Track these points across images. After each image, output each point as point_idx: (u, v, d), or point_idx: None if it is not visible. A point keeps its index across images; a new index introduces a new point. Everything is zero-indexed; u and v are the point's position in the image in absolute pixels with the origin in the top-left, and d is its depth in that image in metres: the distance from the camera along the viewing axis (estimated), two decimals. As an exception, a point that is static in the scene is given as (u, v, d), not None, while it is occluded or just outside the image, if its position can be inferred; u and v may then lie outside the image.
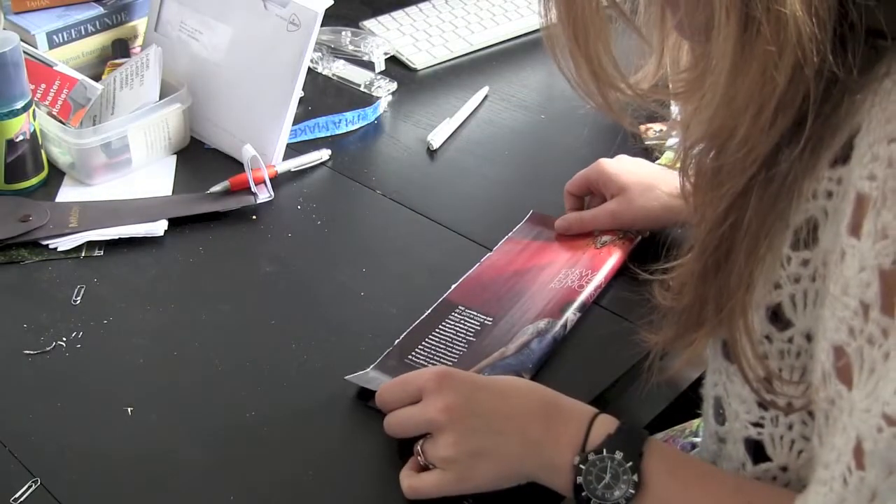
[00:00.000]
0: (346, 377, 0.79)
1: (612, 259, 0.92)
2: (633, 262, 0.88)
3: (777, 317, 0.58)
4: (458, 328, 0.85)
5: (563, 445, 0.68)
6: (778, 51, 0.50)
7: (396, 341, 0.84)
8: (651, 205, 0.93)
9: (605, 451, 0.66)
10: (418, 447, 0.71)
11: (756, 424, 0.62)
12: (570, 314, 0.86)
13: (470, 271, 0.91)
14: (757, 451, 0.63)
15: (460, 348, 0.83)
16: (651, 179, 0.94)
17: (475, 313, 0.86)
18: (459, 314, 0.86)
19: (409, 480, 0.71)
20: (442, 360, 0.81)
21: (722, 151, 0.56)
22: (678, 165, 0.65)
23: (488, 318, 0.85)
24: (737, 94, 0.53)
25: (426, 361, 0.81)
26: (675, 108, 1.03)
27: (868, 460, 0.50)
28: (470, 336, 0.84)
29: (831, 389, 0.53)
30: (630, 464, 0.65)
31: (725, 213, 0.57)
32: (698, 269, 0.60)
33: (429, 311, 0.87)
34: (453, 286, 0.89)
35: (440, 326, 0.84)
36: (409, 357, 0.82)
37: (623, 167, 0.96)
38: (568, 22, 0.60)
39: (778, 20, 0.49)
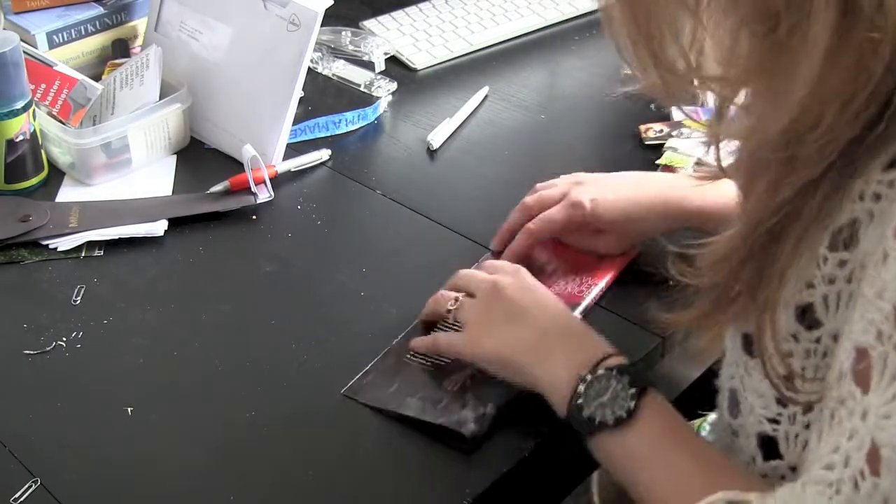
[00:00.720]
0: (343, 391, 0.79)
1: (613, 271, 0.90)
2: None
3: (805, 316, 0.58)
4: (458, 329, 0.84)
5: (574, 358, 0.71)
6: (879, 38, 0.49)
7: (395, 341, 0.84)
8: (653, 230, 0.90)
9: (615, 371, 0.68)
10: (456, 297, 0.80)
11: (772, 420, 0.62)
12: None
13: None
14: (769, 447, 0.63)
15: None
16: (636, 208, 0.89)
17: None
18: None
19: (433, 336, 0.80)
20: (441, 359, 0.81)
21: (801, 140, 0.54)
22: (715, 149, 0.65)
23: None
24: (827, 82, 0.51)
25: (425, 360, 0.81)
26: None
27: (885, 466, 0.50)
28: None
29: (844, 390, 0.53)
30: (633, 391, 0.67)
31: (790, 200, 0.56)
32: (743, 250, 0.59)
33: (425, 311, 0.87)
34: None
35: (439, 326, 0.84)
36: (408, 356, 0.82)
37: (603, 207, 0.89)
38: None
39: (881, 6, 0.48)
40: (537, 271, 0.90)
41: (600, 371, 0.68)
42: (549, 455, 0.76)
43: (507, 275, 0.80)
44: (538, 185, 0.96)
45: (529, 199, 0.93)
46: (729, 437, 0.68)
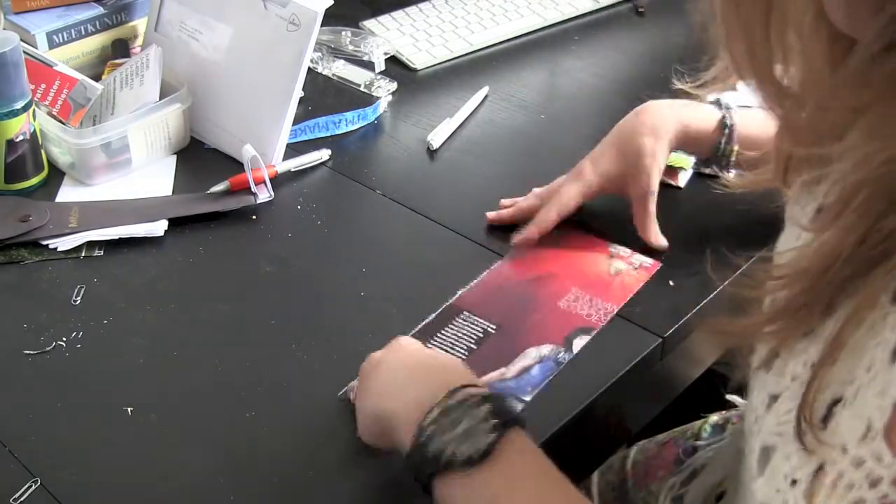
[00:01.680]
0: (340, 395, 0.79)
1: (626, 294, 0.89)
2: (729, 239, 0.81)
3: None
4: (461, 334, 0.84)
5: (430, 386, 0.63)
6: None
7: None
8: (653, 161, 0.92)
9: (471, 400, 0.60)
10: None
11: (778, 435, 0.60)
12: (577, 341, 0.84)
13: (479, 277, 0.91)
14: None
15: (461, 354, 0.83)
16: (629, 152, 0.93)
17: (480, 320, 0.86)
18: (464, 320, 0.86)
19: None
20: None
21: None
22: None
23: (492, 326, 0.85)
24: None
25: None
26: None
27: None
28: (472, 343, 0.84)
29: (865, 450, 0.49)
30: (495, 422, 0.58)
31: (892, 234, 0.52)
32: (829, 272, 0.55)
33: (433, 315, 0.87)
34: (460, 292, 0.89)
35: (443, 331, 0.84)
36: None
37: (604, 167, 0.95)
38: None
39: None
40: (547, 276, 0.89)
41: (452, 403, 0.60)
42: (549, 455, 0.76)
43: (391, 349, 0.73)
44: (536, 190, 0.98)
45: (538, 189, 0.97)
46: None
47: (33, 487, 0.72)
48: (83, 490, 0.72)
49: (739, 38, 0.57)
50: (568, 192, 0.94)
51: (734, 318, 0.61)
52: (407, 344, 0.73)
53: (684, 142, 0.94)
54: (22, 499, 0.71)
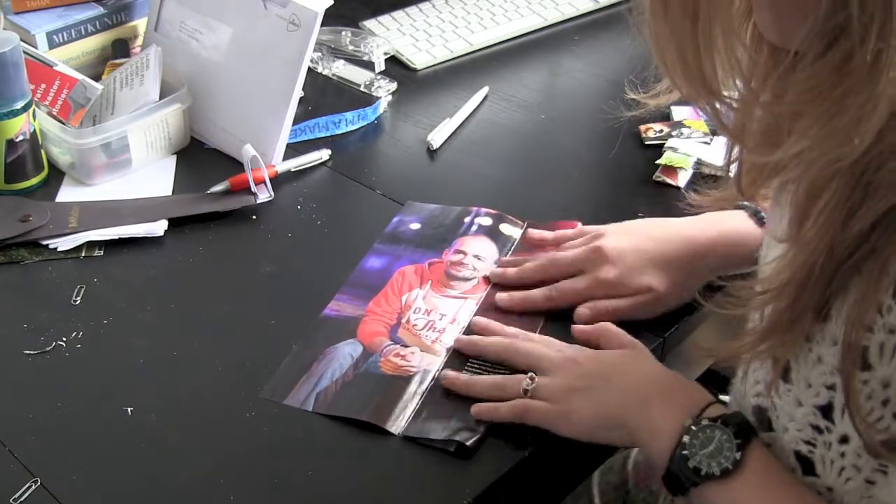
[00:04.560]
0: (402, 433, 0.76)
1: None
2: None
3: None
4: (485, 369, 0.82)
5: (674, 408, 0.69)
6: None
7: (433, 375, 0.81)
8: (689, 280, 0.85)
9: (718, 421, 0.66)
10: (527, 379, 0.76)
11: (808, 442, 0.62)
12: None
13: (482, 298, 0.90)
14: (806, 463, 0.63)
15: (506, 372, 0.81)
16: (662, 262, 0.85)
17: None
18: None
19: (524, 402, 0.75)
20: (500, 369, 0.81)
21: (883, 163, 0.52)
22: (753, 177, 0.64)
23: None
24: None
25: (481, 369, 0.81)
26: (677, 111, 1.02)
27: None
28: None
29: None
30: (738, 441, 0.65)
31: (867, 233, 0.54)
32: (808, 279, 0.57)
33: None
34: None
35: (468, 367, 0.82)
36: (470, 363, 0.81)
37: (624, 268, 0.85)
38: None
39: None
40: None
41: (704, 422, 0.67)
42: (550, 455, 0.76)
43: (574, 349, 0.79)
44: (557, 236, 0.93)
45: (546, 258, 0.89)
46: None
47: (33, 487, 0.72)
48: (83, 490, 0.72)
49: (671, 51, 0.59)
50: (577, 289, 0.86)
51: (726, 341, 0.63)
52: (644, 357, 0.78)
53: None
54: (22, 499, 0.71)
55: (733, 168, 0.70)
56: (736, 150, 0.68)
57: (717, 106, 0.60)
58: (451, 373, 0.80)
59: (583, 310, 0.84)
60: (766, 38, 0.59)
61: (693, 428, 0.66)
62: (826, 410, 0.60)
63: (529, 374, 0.77)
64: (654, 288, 0.83)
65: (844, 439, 0.59)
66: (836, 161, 0.53)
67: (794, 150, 0.55)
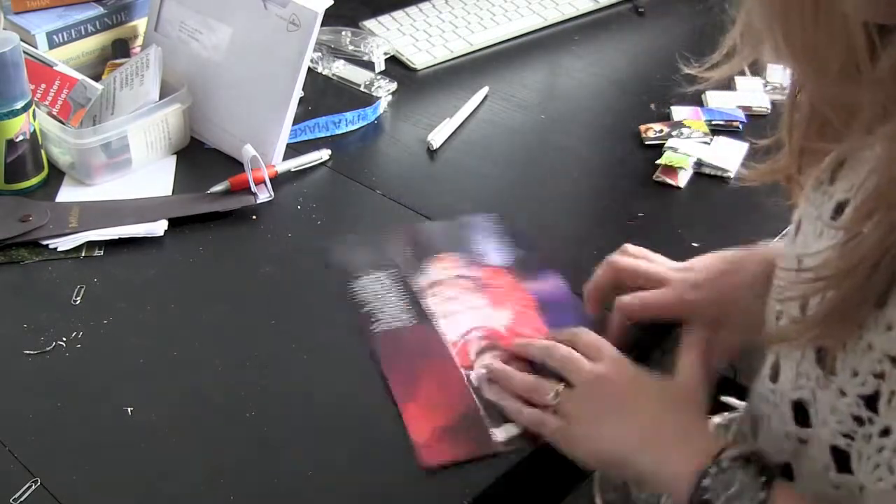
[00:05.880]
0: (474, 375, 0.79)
1: None
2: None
3: None
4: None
5: (693, 449, 0.67)
6: None
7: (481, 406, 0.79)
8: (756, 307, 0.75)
9: (740, 461, 0.65)
10: (557, 388, 0.75)
11: (846, 435, 0.61)
12: None
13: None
14: (842, 459, 0.62)
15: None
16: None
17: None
18: None
19: (541, 416, 0.75)
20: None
21: None
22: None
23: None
24: None
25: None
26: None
27: None
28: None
29: None
30: (763, 479, 0.64)
31: None
32: (891, 260, 0.55)
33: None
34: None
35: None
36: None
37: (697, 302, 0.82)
38: None
39: None
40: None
41: (724, 463, 0.65)
42: (550, 455, 0.76)
43: (611, 363, 0.76)
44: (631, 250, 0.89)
45: (622, 261, 0.86)
46: (794, 445, 0.67)
47: (33, 487, 0.72)
48: (83, 490, 0.72)
49: (779, 21, 0.56)
50: (656, 305, 0.83)
51: (772, 326, 0.61)
52: (644, 380, 0.75)
53: None
54: (22, 499, 0.71)
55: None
56: (796, 119, 0.66)
57: (825, 82, 0.58)
58: (497, 364, 0.80)
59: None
60: (874, 18, 0.56)
61: (713, 470, 0.65)
62: (871, 400, 0.58)
63: (559, 386, 0.76)
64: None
65: (886, 432, 0.58)
66: None
67: (888, 145, 0.53)
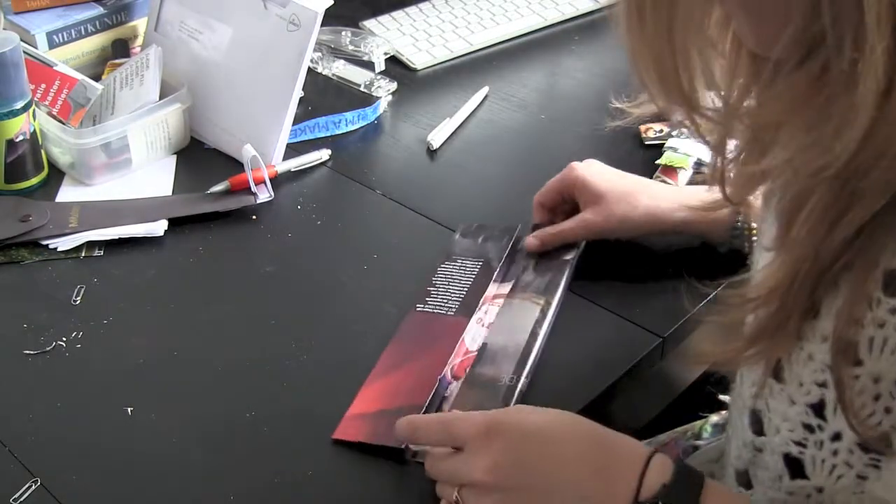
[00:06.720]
0: (409, 455, 0.74)
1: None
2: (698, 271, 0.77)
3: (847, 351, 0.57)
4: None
5: (617, 497, 0.64)
6: None
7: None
8: (632, 214, 0.90)
9: (660, 502, 0.63)
10: (457, 495, 0.67)
11: (798, 443, 0.61)
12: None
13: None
14: (795, 467, 0.62)
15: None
16: (627, 186, 0.92)
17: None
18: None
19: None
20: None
21: (868, 170, 0.51)
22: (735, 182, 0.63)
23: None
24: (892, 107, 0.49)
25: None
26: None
27: None
28: None
29: None
30: (690, 494, 0.63)
31: (851, 239, 0.54)
32: (795, 283, 0.57)
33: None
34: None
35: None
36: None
37: (596, 172, 0.93)
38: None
39: None
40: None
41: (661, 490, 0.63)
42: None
43: (494, 447, 0.66)
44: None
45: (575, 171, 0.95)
46: (752, 453, 0.67)
47: (33, 487, 0.72)
48: (83, 490, 0.72)
49: (648, 65, 0.58)
50: (574, 233, 0.93)
51: (717, 345, 0.63)
52: (541, 449, 0.67)
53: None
54: (22, 499, 0.71)
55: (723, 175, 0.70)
56: (719, 160, 0.68)
57: (697, 119, 0.59)
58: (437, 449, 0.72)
59: (531, 240, 0.92)
60: (745, 45, 0.59)
61: None
62: (818, 408, 0.59)
63: (455, 492, 0.67)
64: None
65: (837, 436, 0.59)
66: (821, 170, 0.52)
67: (778, 160, 0.55)
